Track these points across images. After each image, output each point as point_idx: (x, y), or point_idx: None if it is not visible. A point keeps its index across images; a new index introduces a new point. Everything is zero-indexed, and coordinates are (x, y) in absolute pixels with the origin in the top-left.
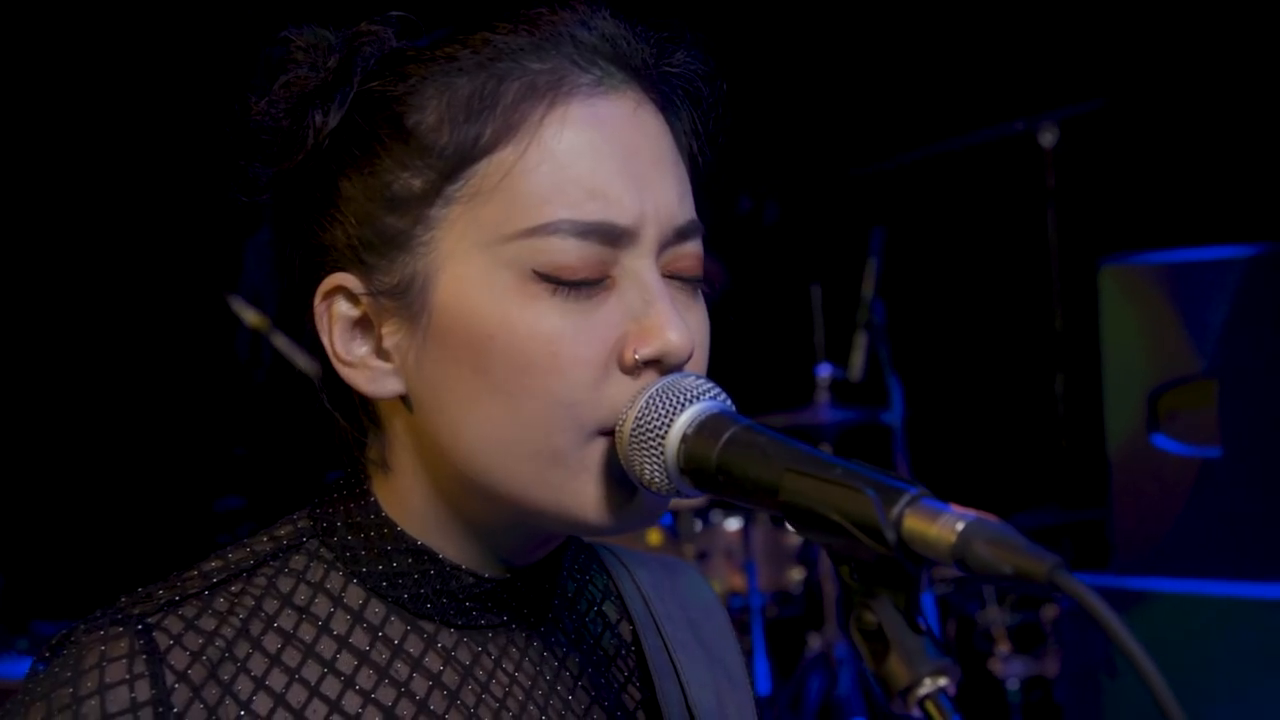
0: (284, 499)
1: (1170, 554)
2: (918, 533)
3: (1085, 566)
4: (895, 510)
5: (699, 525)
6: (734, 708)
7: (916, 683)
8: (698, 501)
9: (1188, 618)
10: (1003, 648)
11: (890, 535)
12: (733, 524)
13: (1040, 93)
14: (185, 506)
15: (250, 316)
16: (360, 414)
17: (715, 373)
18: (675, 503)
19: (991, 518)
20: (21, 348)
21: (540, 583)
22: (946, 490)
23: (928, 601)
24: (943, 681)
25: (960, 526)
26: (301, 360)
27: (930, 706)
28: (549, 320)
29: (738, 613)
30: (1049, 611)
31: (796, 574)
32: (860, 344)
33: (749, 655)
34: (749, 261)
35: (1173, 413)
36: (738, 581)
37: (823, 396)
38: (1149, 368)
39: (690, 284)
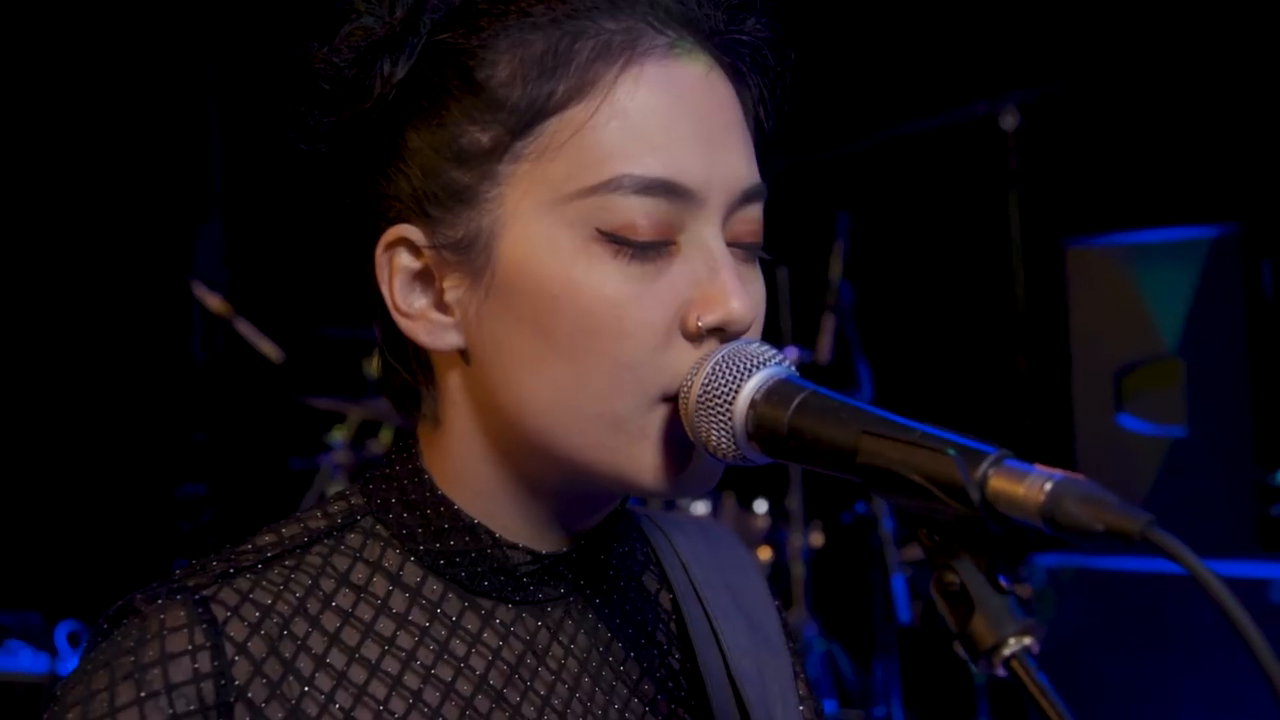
0: (245, 485)
1: None
2: (1004, 492)
3: (1051, 546)
4: (980, 470)
5: (666, 508)
6: (774, 673)
7: (1002, 642)
8: None
9: (1154, 596)
10: None
11: (975, 495)
12: (700, 507)
13: (1001, 76)
14: (147, 494)
15: (213, 302)
16: (415, 367)
17: None
18: None
19: (1079, 476)
20: None
21: (595, 553)
22: None
23: (898, 584)
24: (1028, 640)
25: (1049, 486)
26: (266, 345)
27: (1016, 666)
28: (614, 283)
29: None
30: (1015, 591)
31: (764, 555)
32: (828, 327)
33: None
34: None
35: (1138, 392)
36: None
37: None
38: (1115, 348)
39: (750, 251)
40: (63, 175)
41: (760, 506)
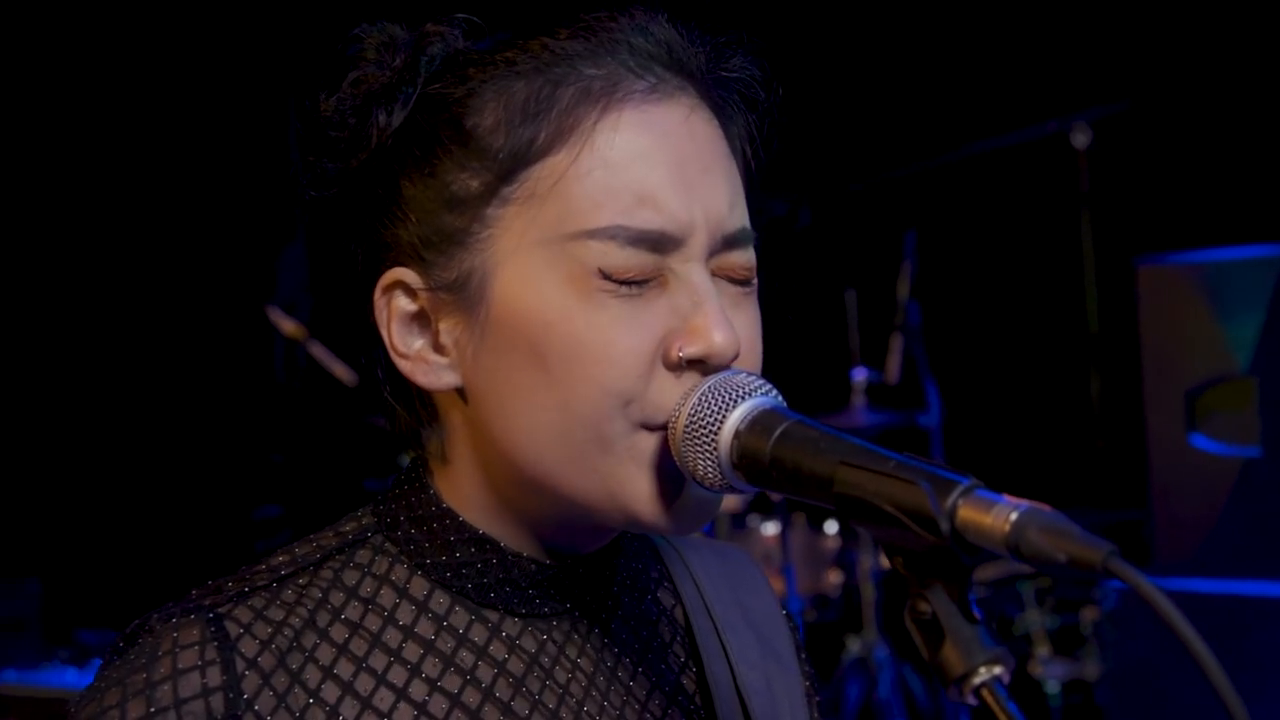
0: (321, 506)
1: (1210, 554)
2: (972, 522)
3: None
4: (949, 501)
5: (735, 530)
6: (782, 688)
7: (972, 671)
8: (735, 506)
9: (1228, 618)
10: (1042, 650)
11: (944, 525)
12: (770, 528)
13: (1072, 94)
14: (224, 514)
15: (287, 326)
16: (418, 407)
17: None
18: None
19: (1045, 507)
20: (61, 358)
21: (601, 569)
22: None
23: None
24: (998, 670)
25: (1014, 516)
26: (339, 369)
27: (986, 694)
28: (606, 312)
29: None
30: (1089, 614)
31: (834, 577)
32: (896, 347)
33: None
34: (783, 266)
35: (1211, 412)
36: (776, 586)
37: (859, 400)
38: (1187, 367)
39: (742, 284)
40: (148, 200)
41: (830, 528)
